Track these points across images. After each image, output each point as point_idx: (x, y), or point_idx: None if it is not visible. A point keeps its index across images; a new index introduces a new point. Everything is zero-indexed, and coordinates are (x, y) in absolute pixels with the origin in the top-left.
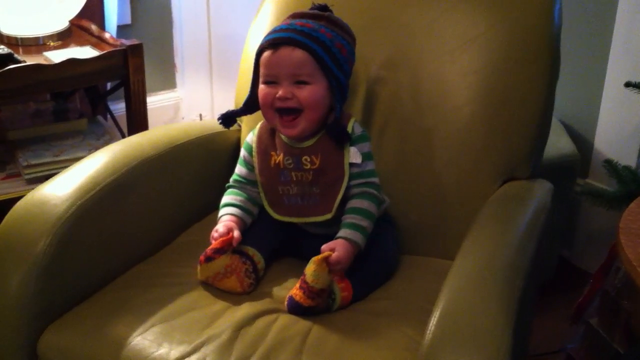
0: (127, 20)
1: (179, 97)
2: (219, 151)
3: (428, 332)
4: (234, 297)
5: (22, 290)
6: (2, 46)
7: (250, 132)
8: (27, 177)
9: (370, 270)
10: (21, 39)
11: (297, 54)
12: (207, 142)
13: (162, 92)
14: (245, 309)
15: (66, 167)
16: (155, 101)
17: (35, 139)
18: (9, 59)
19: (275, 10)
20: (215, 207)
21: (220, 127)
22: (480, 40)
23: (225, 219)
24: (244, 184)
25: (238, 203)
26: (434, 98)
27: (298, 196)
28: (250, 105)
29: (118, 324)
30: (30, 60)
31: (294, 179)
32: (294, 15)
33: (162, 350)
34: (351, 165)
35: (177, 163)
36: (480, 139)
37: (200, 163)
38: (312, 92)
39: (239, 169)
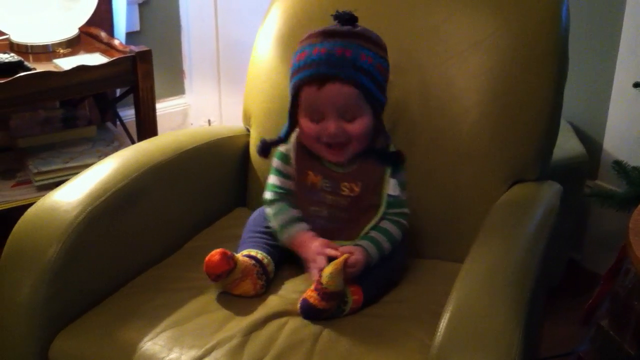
0: (136, 27)
1: (188, 103)
2: (228, 156)
3: (438, 334)
4: (244, 301)
5: (33, 297)
6: (12, 54)
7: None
8: (37, 184)
9: (380, 275)
10: (31, 46)
11: (346, 91)
12: (216, 147)
13: (171, 98)
14: (255, 313)
15: (76, 173)
16: (163, 107)
17: (45, 146)
18: (18, 66)
19: (283, 15)
20: (224, 212)
21: (228, 132)
22: (487, 42)
23: (309, 236)
24: (285, 194)
25: (300, 215)
26: (442, 101)
27: (327, 219)
28: (288, 133)
29: (129, 330)
30: (40, 68)
31: (328, 202)
32: (326, 35)
33: (173, 355)
34: (388, 195)
35: (186, 168)
36: (488, 141)
37: (209, 168)
38: (362, 125)
39: (278, 180)
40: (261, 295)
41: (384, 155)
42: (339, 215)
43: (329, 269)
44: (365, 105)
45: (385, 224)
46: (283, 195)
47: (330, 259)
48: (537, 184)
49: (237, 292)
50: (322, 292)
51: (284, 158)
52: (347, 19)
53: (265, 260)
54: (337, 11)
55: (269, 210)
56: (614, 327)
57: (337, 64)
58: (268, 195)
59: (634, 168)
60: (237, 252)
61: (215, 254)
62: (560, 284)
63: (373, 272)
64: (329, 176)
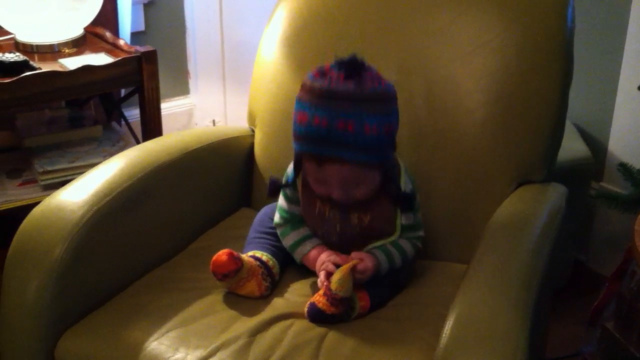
0: (141, 27)
1: (192, 104)
2: (233, 156)
3: (443, 336)
4: (250, 302)
5: (39, 296)
6: (17, 53)
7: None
8: (43, 183)
9: (387, 281)
10: (36, 46)
11: (346, 170)
12: (221, 147)
13: (176, 98)
14: (261, 315)
15: (81, 173)
16: (168, 107)
17: (50, 146)
18: (24, 66)
19: (288, 16)
20: (229, 212)
21: (233, 133)
22: (493, 43)
23: (317, 252)
24: (290, 218)
25: (307, 233)
26: (447, 102)
27: (338, 243)
28: (295, 178)
29: (134, 329)
30: (46, 68)
31: (338, 230)
32: (330, 96)
33: (179, 355)
34: (401, 224)
35: (191, 169)
36: (493, 142)
37: (214, 168)
38: (367, 188)
39: (286, 204)
40: (266, 296)
41: (395, 198)
42: (350, 240)
43: (337, 275)
44: (372, 171)
45: (401, 241)
46: (288, 219)
47: (338, 265)
48: (543, 186)
49: (242, 292)
50: (331, 297)
51: (292, 184)
52: (352, 69)
53: (271, 262)
54: (340, 59)
55: (278, 232)
56: (620, 329)
57: (338, 143)
58: (276, 218)
59: (639, 170)
60: (243, 253)
61: (222, 254)
62: (565, 284)
63: (381, 279)
64: (337, 207)
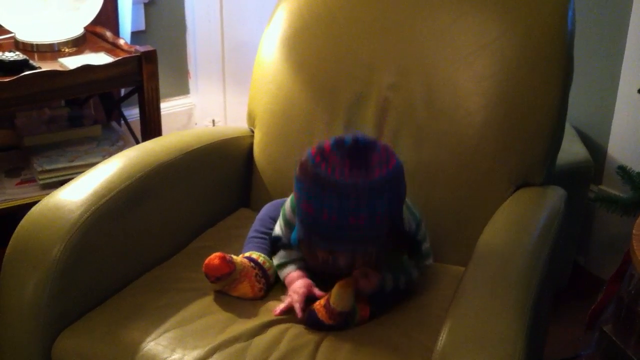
0: (141, 26)
1: (192, 103)
2: (232, 157)
3: (440, 338)
4: (248, 303)
5: (37, 295)
6: (17, 52)
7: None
8: (41, 182)
9: (390, 293)
10: (36, 45)
11: (358, 256)
12: (220, 147)
13: (176, 98)
14: (259, 316)
15: (80, 172)
16: (168, 107)
17: (50, 145)
18: (24, 65)
19: (289, 17)
20: (228, 212)
21: (233, 133)
22: (493, 46)
23: (296, 275)
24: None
25: (294, 258)
26: (448, 104)
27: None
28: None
29: (132, 329)
30: (46, 67)
31: (345, 271)
32: (339, 189)
33: (176, 356)
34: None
35: (190, 169)
36: (493, 144)
37: (213, 168)
38: (377, 255)
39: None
40: (261, 297)
41: (403, 248)
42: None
43: (336, 289)
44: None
45: (410, 266)
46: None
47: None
48: (542, 189)
49: (235, 293)
50: (330, 311)
51: (290, 226)
52: (357, 157)
53: (267, 264)
54: (341, 141)
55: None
56: (618, 332)
57: (349, 238)
58: (276, 230)
59: (639, 173)
60: (242, 252)
61: (214, 258)
62: (564, 287)
63: (385, 295)
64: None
